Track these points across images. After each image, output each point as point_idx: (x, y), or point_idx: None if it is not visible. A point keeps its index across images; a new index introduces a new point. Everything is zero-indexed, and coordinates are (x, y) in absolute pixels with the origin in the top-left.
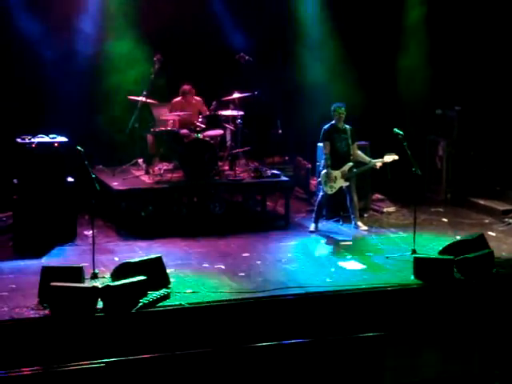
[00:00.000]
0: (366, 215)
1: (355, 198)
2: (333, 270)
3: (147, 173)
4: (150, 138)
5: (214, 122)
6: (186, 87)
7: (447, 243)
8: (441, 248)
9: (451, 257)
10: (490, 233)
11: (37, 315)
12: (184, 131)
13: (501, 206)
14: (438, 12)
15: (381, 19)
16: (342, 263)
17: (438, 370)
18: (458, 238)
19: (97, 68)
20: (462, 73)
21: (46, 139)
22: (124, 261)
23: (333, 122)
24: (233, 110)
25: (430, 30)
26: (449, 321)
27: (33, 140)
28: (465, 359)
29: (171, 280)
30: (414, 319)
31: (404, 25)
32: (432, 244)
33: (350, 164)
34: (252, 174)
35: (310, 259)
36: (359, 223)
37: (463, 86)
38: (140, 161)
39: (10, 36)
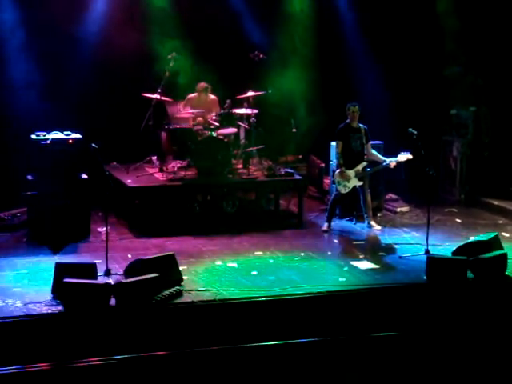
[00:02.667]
0: (379, 215)
1: (369, 198)
2: (345, 269)
3: (161, 170)
4: (163, 135)
5: (227, 120)
6: (203, 85)
7: (461, 244)
8: (454, 248)
9: (465, 257)
10: (503, 233)
11: (50, 311)
12: (198, 129)
13: None
14: (455, 11)
15: (397, 18)
16: (354, 263)
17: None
18: (472, 238)
19: (112, 64)
20: (476, 73)
21: (60, 136)
22: (137, 258)
23: (347, 121)
24: (247, 108)
25: (446, 30)
26: (460, 322)
27: (47, 136)
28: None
29: (184, 277)
30: (427, 320)
31: (420, 25)
32: (445, 244)
33: (364, 163)
34: (265, 173)
35: (322, 258)
36: (372, 223)
37: (478, 86)
38: (154, 158)
39: (28, 30)
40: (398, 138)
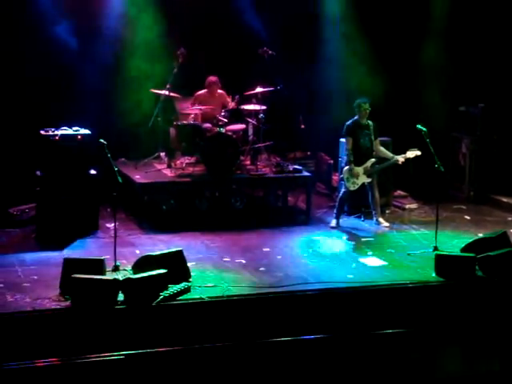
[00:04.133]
0: (387, 211)
1: (377, 195)
2: (354, 266)
3: (169, 166)
4: (172, 131)
5: (236, 116)
6: (213, 78)
7: (469, 241)
8: (463, 245)
9: (473, 254)
10: None
11: (58, 306)
12: (206, 125)
13: None
14: (462, 8)
15: (405, 15)
16: (363, 259)
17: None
18: (481, 235)
19: (121, 60)
20: (485, 70)
21: (69, 131)
22: (145, 254)
23: (356, 117)
24: (255, 104)
25: (454, 26)
26: (470, 319)
27: (56, 132)
28: (487, 358)
29: (192, 274)
30: (435, 317)
31: (427, 21)
32: (454, 241)
33: (373, 160)
34: (274, 169)
35: (330, 255)
36: (381, 219)
37: (487, 82)
38: (162, 154)
39: (33, 27)
40: (406, 135)
